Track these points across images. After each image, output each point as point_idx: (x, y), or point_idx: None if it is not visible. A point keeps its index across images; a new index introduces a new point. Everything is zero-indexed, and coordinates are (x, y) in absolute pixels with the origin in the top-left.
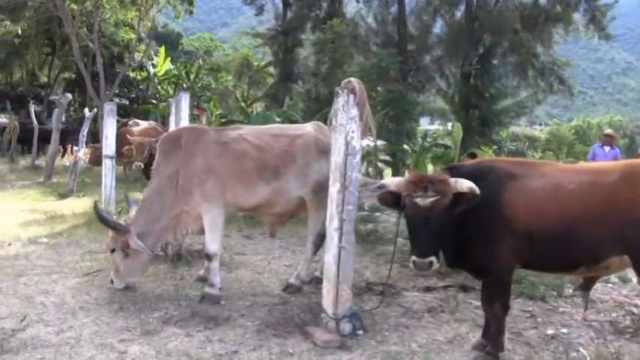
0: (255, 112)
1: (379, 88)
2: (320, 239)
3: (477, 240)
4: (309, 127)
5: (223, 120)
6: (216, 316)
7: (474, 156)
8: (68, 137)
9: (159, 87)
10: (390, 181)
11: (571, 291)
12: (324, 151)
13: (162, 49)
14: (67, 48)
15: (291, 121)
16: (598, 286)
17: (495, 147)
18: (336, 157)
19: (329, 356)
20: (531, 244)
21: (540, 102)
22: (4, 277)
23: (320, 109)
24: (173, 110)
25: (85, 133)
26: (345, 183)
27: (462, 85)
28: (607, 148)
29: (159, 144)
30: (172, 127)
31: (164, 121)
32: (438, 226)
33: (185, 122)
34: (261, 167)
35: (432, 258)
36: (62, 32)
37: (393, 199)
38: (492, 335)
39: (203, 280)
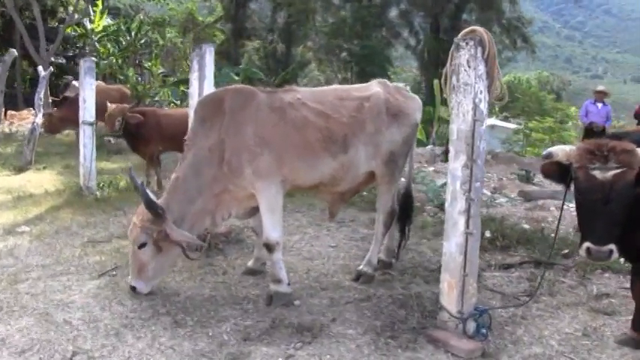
0: None
1: (344, 45)
2: (390, 218)
3: None
4: (376, 87)
5: (174, 80)
6: (304, 324)
7: None
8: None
9: (97, 44)
10: (559, 149)
11: None
12: (394, 114)
13: (99, 3)
14: None
15: (250, 81)
16: None
17: None
18: (461, 124)
19: None
20: None
21: (510, 59)
22: None
23: (280, 66)
24: (195, 66)
25: (41, 96)
26: (472, 156)
27: (431, 40)
28: (600, 105)
29: (195, 109)
30: (195, 87)
31: (105, 80)
32: (621, 205)
33: (210, 80)
34: (327, 138)
35: (612, 246)
36: None
37: (560, 172)
38: None
39: (252, 273)
